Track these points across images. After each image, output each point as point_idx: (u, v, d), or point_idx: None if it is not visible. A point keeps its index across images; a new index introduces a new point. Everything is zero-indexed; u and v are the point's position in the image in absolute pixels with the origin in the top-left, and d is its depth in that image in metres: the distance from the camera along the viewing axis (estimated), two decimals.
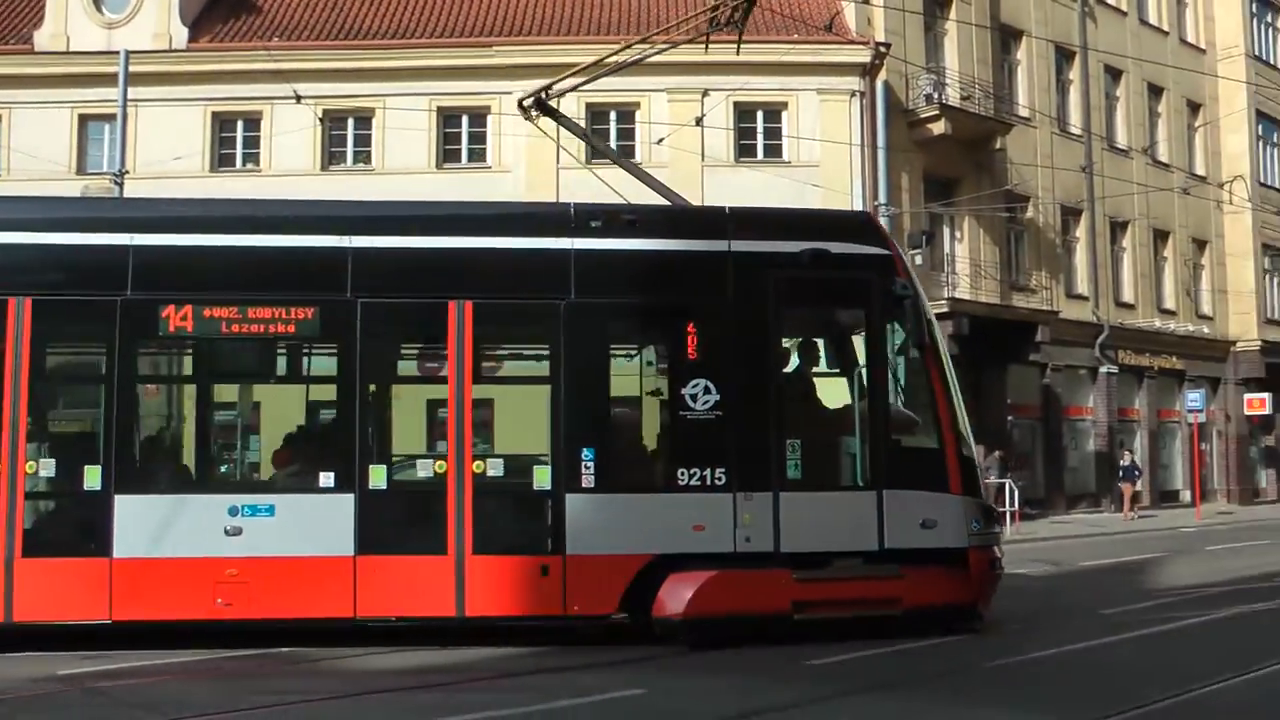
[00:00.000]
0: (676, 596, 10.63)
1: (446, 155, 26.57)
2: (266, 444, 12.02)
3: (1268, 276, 38.54)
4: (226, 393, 12.16)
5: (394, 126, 25.68)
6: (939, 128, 27.10)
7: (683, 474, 10.96)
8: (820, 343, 12.21)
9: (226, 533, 10.45)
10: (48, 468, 10.66)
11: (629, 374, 11.87)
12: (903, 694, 8.70)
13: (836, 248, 11.47)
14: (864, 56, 26.22)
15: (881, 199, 26.11)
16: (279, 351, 11.61)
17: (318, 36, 26.69)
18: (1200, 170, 36.72)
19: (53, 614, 10.33)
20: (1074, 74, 32.72)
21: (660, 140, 25.72)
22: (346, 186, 23.81)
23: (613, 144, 26.17)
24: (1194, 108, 37.28)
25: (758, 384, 11.23)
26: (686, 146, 25.78)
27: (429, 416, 11.83)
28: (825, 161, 25.86)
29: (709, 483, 10.95)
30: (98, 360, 11.11)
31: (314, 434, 11.54)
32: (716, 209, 12.96)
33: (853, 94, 26.53)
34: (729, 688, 8.99)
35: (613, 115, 26.59)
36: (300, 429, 11.61)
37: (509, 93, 25.90)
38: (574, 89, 13.33)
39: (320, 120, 25.52)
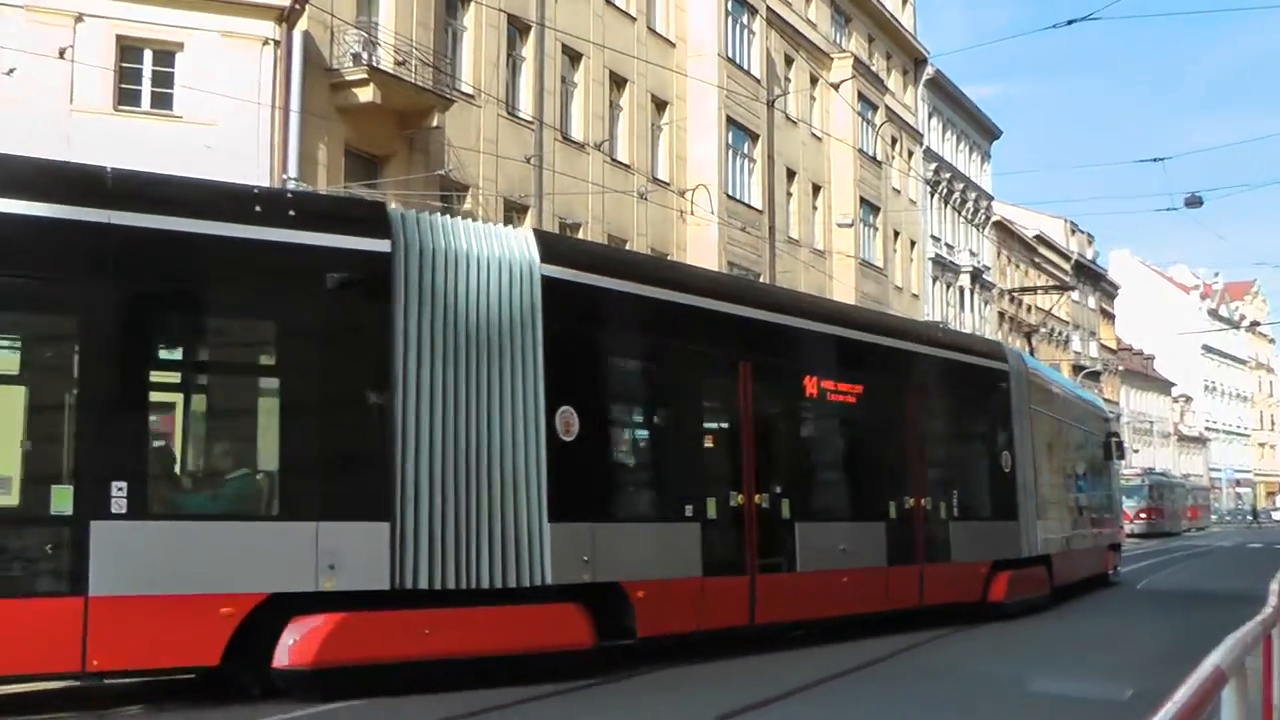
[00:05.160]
0: None
1: None
2: None
3: None
4: None
5: None
6: (367, 94, 23.30)
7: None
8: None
9: None
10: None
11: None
12: None
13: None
14: None
15: (292, 172, 22.09)
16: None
17: None
18: (663, 175, 34.86)
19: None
20: (528, 51, 29.47)
21: (11, 71, 20.63)
22: None
23: None
24: (660, 105, 35.10)
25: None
26: (51, 84, 20.91)
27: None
28: (226, 120, 21.52)
29: None
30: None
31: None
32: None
33: (265, 42, 22.38)
34: None
35: None
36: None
37: None
38: None
39: None
